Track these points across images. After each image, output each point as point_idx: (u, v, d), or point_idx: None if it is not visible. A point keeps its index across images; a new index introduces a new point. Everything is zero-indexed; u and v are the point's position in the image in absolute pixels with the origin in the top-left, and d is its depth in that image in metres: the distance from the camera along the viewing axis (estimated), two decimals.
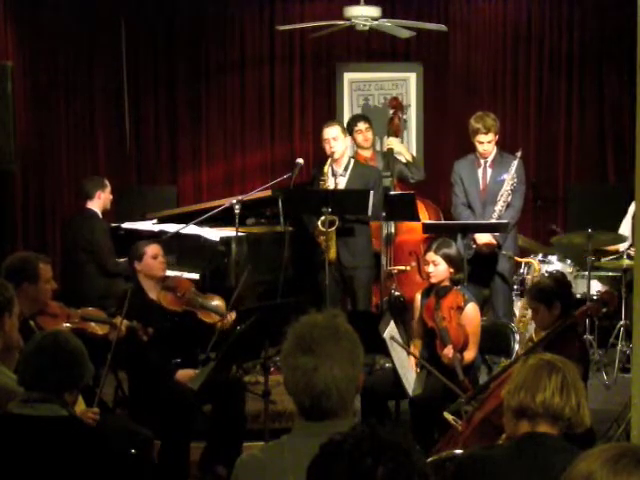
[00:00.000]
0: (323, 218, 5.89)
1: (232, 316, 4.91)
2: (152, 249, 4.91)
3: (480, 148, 6.24)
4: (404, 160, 6.89)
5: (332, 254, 6.06)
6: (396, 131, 7.02)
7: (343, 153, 6.23)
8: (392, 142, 6.85)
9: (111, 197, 6.43)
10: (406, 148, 7.11)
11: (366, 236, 6.30)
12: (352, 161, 6.31)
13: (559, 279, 4.49)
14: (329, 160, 6.19)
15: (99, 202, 6.32)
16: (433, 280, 4.92)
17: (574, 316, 4.27)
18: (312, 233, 6.21)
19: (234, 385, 4.83)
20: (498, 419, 3.18)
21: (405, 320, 6.11)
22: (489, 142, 6.22)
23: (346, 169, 6.24)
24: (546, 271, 6.27)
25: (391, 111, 7.10)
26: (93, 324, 4.54)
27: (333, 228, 5.99)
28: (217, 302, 5.08)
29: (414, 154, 7.42)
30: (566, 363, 2.74)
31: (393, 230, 6.66)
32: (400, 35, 7.27)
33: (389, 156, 6.81)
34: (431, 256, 4.92)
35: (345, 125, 7.03)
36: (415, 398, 4.54)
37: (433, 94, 8.16)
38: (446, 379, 4.39)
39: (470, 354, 4.81)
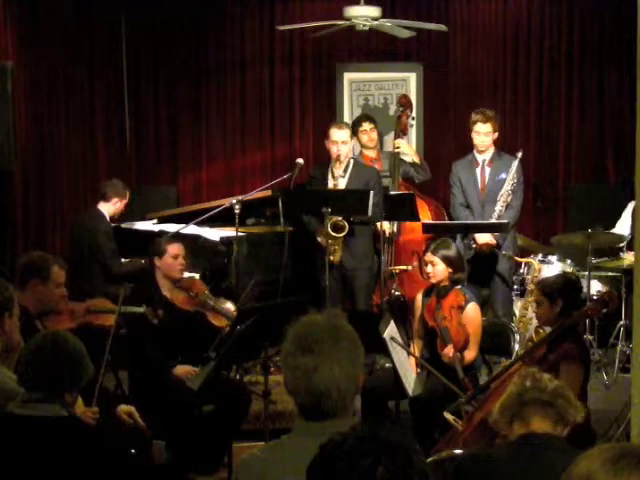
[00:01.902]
0: (331, 222, 5.88)
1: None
2: (174, 248, 4.91)
3: (477, 139, 6.24)
4: (410, 160, 6.88)
5: (337, 257, 6.06)
6: (403, 129, 7.00)
7: (347, 156, 6.23)
8: (401, 143, 6.83)
9: (124, 209, 6.44)
10: (414, 150, 7.06)
11: (367, 238, 6.32)
12: (352, 162, 6.31)
13: (569, 279, 4.51)
14: (332, 162, 6.19)
15: (112, 208, 6.34)
16: (433, 280, 4.95)
17: (574, 316, 4.27)
18: (312, 232, 6.21)
19: (241, 394, 4.83)
20: None
21: (406, 320, 6.11)
22: (486, 134, 6.22)
23: (346, 170, 6.24)
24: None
25: (400, 108, 7.08)
26: (99, 315, 4.54)
27: (343, 234, 5.98)
28: (228, 306, 5.10)
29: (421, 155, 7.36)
30: (555, 390, 2.79)
31: (396, 229, 6.67)
32: (400, 35, 7.27)
33: (395, 156, 6.81)
34: (429, 257, 4.94)
35: (351, 125, 7.04)
36: (415, 398, 4.54)
37: (433, 94, 8.15)
38: (446, 379, 4.40)
39: (471, 354, 4.82)
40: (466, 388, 4.38)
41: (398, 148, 6.78)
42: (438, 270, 4.91)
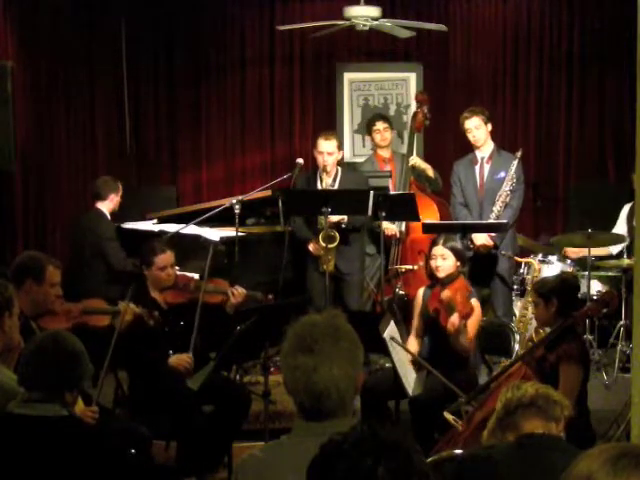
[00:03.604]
0: (323, 235, 5.89)
1: (239, 291, 4.91)
2: (161, 261, 4.81)
3: (469, 137, 6.28)
4: (423, 175, 6.87)
5: (331, 267, 6.06)
6: (418, 127, 7.02)
7: (334, 166, 6.23)
8: (415, 160, 6.81)
9: (120, 200, 6.46)
10: (429, 166, 6.98)
11: (360, 243, 6.37)
12: (339, 170, 6.29)
13: (565, 279, 4.49)
14: (319, 171, 6.20)
15: (110, 204, 6.35)
16: (441, 274, 4.88)
17: (574, 317, 4.27)
18: (301, 241, 6.20)
19: (241, 394, 4.83)
20: None
21: (407, 319, 6.12)
22: (476, 127, 6.23)
23: (335, 179, 6.24)
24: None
25: (416, 105, 7.10)
26: (95, 316, 4.51)
27: (335, 244, 5.99)
28: (219, 283, 5.10)
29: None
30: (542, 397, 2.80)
31: (404, 229, 6.68)
32: (400, 35, 7.27)
33: (405, 157, 6.86)
34: (440, 250, 4.89)
35: (365, 124, 7.07)
36: (415, 398, 4.54)
37: (433, 94, 8.13)
38: (446, 379, 4.39)
39: (469, 337, 4.78)
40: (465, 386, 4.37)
41: (413, 165, 6.77)
42: (448, 264, 4.88)
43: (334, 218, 6.01)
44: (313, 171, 6.40)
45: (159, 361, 4.64)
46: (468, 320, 4.75)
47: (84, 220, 6.53)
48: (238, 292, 4.93)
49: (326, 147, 6.13)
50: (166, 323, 4.76)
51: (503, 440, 2.80)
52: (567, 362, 4.08)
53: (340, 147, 6.26)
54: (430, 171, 6.90)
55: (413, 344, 5.04)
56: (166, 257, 4.84)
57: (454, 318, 4.66)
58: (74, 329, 4.21)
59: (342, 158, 6.41)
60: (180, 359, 4.61)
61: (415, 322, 5.15)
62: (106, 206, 6.35)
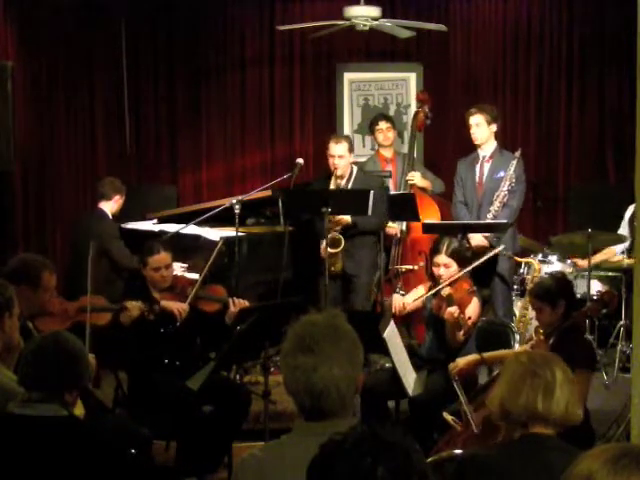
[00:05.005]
0: (328, 238, 5.89)
1: (241, 302, 4.85)
2: (154, 262, 4.76)
3: (471, 133, 6.27)
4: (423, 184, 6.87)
5: (338, 267, 6.07)
6: (420, 126, 7.02)
7: (346, 168, 6.23)
8: (414, 176, 6.79)
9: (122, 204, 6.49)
10: (428, 183, 6.91)
11: (369, 244, 6.37)
12: (355, 171, 6.30)
13: (560, 278, 4.48)
14: (333, 177, 6.20)
15: (115, 206, 6.38)
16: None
17: (574, 317, 4.26)
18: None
19: (240, 394, 4.82)
20: None
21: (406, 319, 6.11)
22: (477, 125, 6.23)
23: (348, 181, 6.25)
24: (545, 272, 6.25)
25: (417, 105, 7.11)
26: (95, 314, 4.48)
27: (340, 248, 5.99)
28: (217, 290, 5.07)
29: (433, 175, 7.21)
30: (550, 363, 2.74)
31: (404, 228, 6.68)
32: (400, 35, 7.27)
33: (410, 156, 6.87)
34: (443, 259, 4.86)
35: (366, 124, 7.06)
36: (415, 398, 4.54)
37: (433, 94, 8.13)
38: (445, 381, 4.40)
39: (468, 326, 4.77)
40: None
41: (412, 180, 6.76)
42: (451, 272, 4.88)
43: (343, 220, 6.02)
44: (323, 180, 6.42)
45: (158, 361, 4.65)
46: (466, 309, 4.72)
47: (85, 220, 6.55)
48: (240, 303, 4.85)
49: (337, 150, 6.15)
50: (163, 325, 4.76)
51: (508, 429, 2.77)
52: (580, 369, 4.06)
53: (351, 150, 6.26)
54: (430, 187, 6.88)
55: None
56: (160, 258, 4.78)
57: (453, 309, 4.64)
58: (73, 328, 4.20)
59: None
60: (175, 304, 4.62)
61: (409, 307, 5.08)
62: (109, 207, 6.36)
